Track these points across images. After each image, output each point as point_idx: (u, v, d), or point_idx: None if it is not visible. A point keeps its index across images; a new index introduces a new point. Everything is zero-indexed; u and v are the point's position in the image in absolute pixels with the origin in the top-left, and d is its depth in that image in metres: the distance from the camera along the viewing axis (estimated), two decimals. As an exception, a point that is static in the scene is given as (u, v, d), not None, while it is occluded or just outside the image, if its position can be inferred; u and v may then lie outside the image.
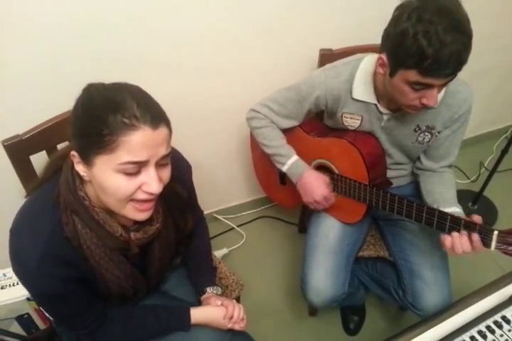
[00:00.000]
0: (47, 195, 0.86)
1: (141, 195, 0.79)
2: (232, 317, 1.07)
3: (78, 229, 0.84)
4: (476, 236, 1.02)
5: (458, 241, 1.04)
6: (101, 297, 0.98)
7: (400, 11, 0.98)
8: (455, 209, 1.18)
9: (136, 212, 0.82)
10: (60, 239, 0.83)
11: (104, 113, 0.72)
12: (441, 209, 1.15)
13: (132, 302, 1.09)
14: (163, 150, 0.77)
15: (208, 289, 1.16)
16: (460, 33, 0.93)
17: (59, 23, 1.26)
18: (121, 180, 0.76)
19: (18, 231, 0.85)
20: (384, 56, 1.06)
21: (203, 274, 1.20)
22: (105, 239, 0.87)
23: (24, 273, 0.84)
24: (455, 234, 1.05)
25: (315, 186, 1.34)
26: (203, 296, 1.15)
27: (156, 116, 0.75)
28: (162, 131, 0.76)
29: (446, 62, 0.94)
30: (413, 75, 0.99)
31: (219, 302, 1.09)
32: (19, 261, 0.83)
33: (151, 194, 0.79)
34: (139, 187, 0.78)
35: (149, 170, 0.77)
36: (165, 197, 0.96)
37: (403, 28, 0.96)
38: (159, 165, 0.79)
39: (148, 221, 0.92)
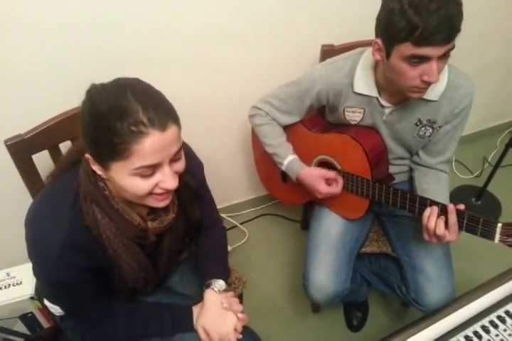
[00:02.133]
0: (67, 185, 0.87)
1: (159, 190, 0.82)
2: None
3: (98, 219, 0.87)
4: (453, 218, 1.05)
5: (434, 219, 1.08)
6: (113, 289, 0.99)
7: None
8: None
9: (157, 201, 0.86)
10: (80, 228, 0.85)
11: (111, 121, 0.72)
12: None
13: (139, 297, 1.10)
14: (174, 149, 0.79)
15: (213, 282, 1.08)
16: None
17: (60, 22, 1.26)
18: (138, 182, 0.79)
19: (37, 219, 0.87)
20: (378, 40, 1.06)
21: (212, 268, 1.14)
22: (124, 228, 0.89)
23: (44, 259, 0.85)
24: (435, 209, 1.08)
25: (311, 185, 1.34)
26: (204, 295, 1.07)
27: (162, 116, 0.75)
28: (171, 130, 0.76)
29: (437, 28, 0.93)
30: (408, 48, 0.99)
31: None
32: (39, 247, 0.85)
33: (169, 189, 0.82)
34: (156, 185, 0.81)
35: (164, 169, 0.79)
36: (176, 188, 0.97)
37: (390, 7, 0.97)
38: (173, 160, 0.81)
39: (164, 211, 0.96)
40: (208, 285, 1.09)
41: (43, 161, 1.20)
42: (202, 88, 1.65)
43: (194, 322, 1.04)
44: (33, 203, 0.90)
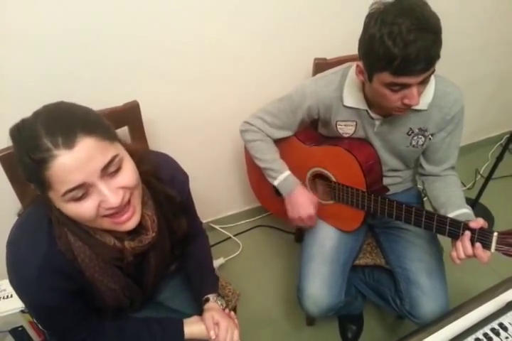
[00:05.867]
0: (42, 209, 0.85)
1: (106, 212, 0.76)
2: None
3: (71, 242, 0.84)
4: (477, 244, 1.02)
5: (460, 248, 1.04)
6: (97, 309, 0.97)
7: (368, 18, 1.02)
8: (464, 211, 1.17)
9: (117, 225, 0.80)
10: (57, 252, 0.83)
11: (22, 157, 0.70)
12: (450, 212, 1.17)
13: (128, 314, 1.08)
14: (97, 163, 0.71)
15: (211, 297, 1.12)
16: (424, 30, 0.94)
17: (53, 34, 1.27)
18: (76, 207, 0.74)
19: (15, 244, 0.85)
20: (360, 63, 1.09)
21: (207, 282, 1.17)
22: (98, 250, 0.86)
23: (22, 286, 0.84)
24: (459, 245, 1.05)
25: (302, 204, 1.35)
26: (207, 305, 1.10)
27: (69, 133, 0.69)
28: (82, 145, 0.69)
29: (415, 60, 0.95)
30: (387, 77, 1.01)
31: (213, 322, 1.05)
32: (18, 273, 0.83)
33: (114, 208, 0.76)
34: (99, 206, 0.75)
35: (97, 187, 0.73)
36: (159, 202, 0.95)
37: (371, 33, 0.99)
38: (108, 175, 0.74)
39: (144, 230, 0.91)
40: (208, 300, 1.11)
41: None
42: (195, 100, 1.66)
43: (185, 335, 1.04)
44: (14, 226, 0.88)
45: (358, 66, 1.11)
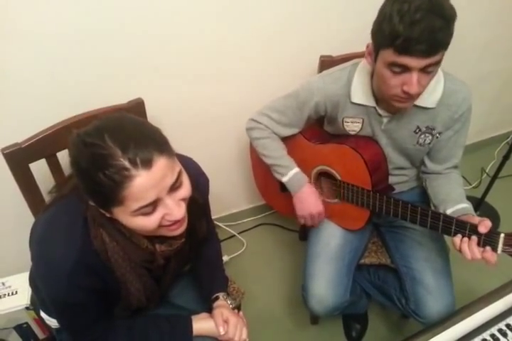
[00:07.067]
0: (77, 207, 0.86)
1: (167, 222, 0.80)
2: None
3: (106, 243, 0.85)
4: (487, 247, 1.02)
5: (466, 247, 1.04)
6: (116, 309, 0.98)
7: (385, 1, 1.02)
8: (463, 206, 1.17)
9: (171, 231, 0.84)
10: (91, 251, 0.84)
11: (94, 174, 0.70)
12: (449, 208, 1.16)
13: (140, 313, 1.09)
14: (168, 181, 0.75)
15: (221, 296, 1.13)
16: (434, 12, 0.94)
17: (58, 32, 1.27)
18: (143, 220, 0.77)
19: (48, 240, 0.85)
20: (370, 44, 1.09)
21: (217, 281, 1.19)
22: (131, 252, 0.88)
23: (53, 280, 0.84)
24: (465, 239, 1.04)
25: (312, 201, 1.35)
26: (216, 303, 1.11)
27: (145, 153, 0.71)
28: (158, 165, 0.72)
29: (418, 39, 0.94)
30: (389, 55, 1.00)
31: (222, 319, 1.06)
32: (50, 268, 0.84)
33: (177, 220, 0.80)
34: (163, 218, 0.79)
35: (165, 202, 0.77)
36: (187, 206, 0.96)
37: (384, 11, 0.99)
38: (173, 189, 0.77)
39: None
40: (217, 298, 1.12)
41: (39, 170, 1.19)
42: (200, 98, 1.66)
43: (193, 332, 1.04)
44: (41, 223, 0.89)
45: (367, 46, 1.11)
